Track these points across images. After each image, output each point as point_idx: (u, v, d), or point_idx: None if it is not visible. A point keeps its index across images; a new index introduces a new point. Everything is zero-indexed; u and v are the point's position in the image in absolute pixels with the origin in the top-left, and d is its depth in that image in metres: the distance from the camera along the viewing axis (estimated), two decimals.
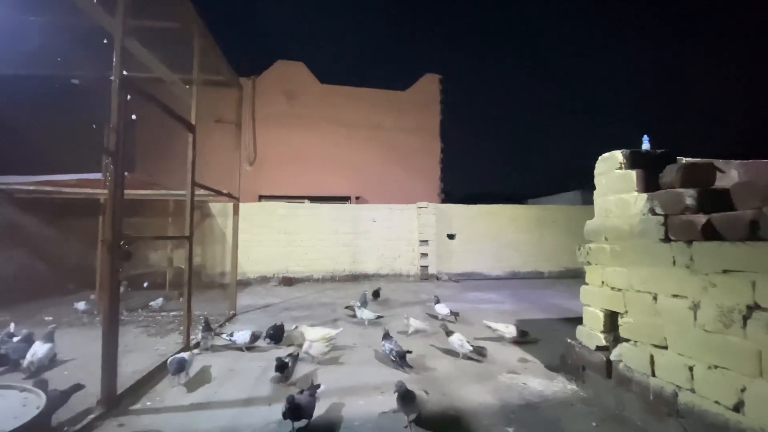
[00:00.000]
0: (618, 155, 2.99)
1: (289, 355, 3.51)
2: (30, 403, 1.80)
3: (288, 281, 9.68)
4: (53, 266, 7.58)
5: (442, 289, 8.74)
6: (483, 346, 4.02)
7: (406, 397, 2.55)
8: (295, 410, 2.41)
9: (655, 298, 2.62)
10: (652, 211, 2.67)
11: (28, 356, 3.43)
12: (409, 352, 3.77)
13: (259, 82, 12.34)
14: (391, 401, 2.94)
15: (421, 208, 10.50)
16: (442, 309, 5.55)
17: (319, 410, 2.78)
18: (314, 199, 11.84)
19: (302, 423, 2.48)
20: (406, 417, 2.57)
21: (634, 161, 2.92)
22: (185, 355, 3.32)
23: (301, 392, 2.63)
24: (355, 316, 5.50)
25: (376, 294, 7.08)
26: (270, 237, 10.00)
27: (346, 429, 2.57)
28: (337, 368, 3.69)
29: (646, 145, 3.15)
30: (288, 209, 10.28)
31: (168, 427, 2.44)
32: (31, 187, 6.02)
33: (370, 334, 4.80)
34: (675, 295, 2.47)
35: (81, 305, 5.81)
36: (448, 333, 4.07)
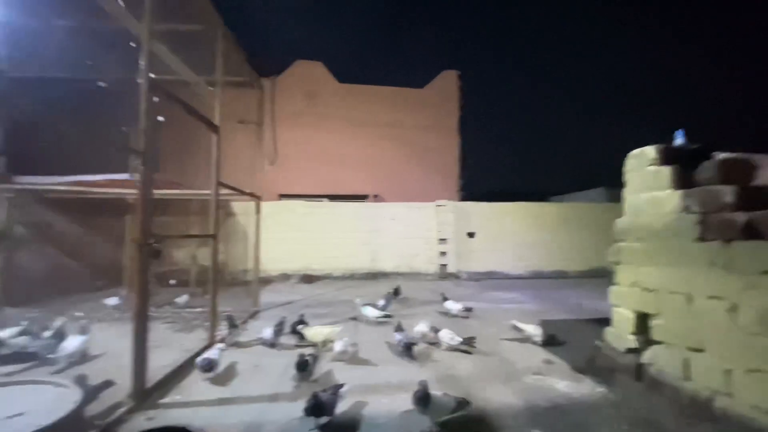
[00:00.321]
0: (650, 151, 2.88)
1: (311, 354, 3.53)
2: (65, 398, 1.85)
3: (308, 279, 9.78)
4: (83, 264, 7.86)
5: (461, 288, 8.66)
6: (473, 336, 4.13)
7: (422, 399, 2.52)
8: (317, 407, 2.43)
9: (690, 300, 2.51)
10: (687, 209, 2.56)
11: (59, 351, 3.56)
12: (415, 344, 3.94)
13: (278, 83, 12.47)
14: None
15: (439, 206, 10.42)
16: (452, 305, 5.61)
17: (343, 407, 2.79)
18: (333, 197, 11.90)
19: (324, 420, 2.50)
20: (428, 417, 2.56)
21: (667, 157, 2.81)
22: (214, 355, 3.36)
23: (324, 391, 2.64)
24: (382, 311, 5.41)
25: (396, 292, 7.06)
26: (290, 235, 10.12)
27: (371, 426, 2.58)
28: (360, 366, 3.69)
29: (679, 141, 3.02)
30: (308, 208, 10.38)
31: (196, 420, 2.49)
32: (62, 188, 6.25)
33: (392, 333, 4.78)
34: (712, 297, 2.36)
35: (112, 301, 6.01)
36: (436, 330, 4.22)
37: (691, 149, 2.82)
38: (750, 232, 2.16)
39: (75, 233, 7.71)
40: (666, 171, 2.76)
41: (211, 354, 3.38)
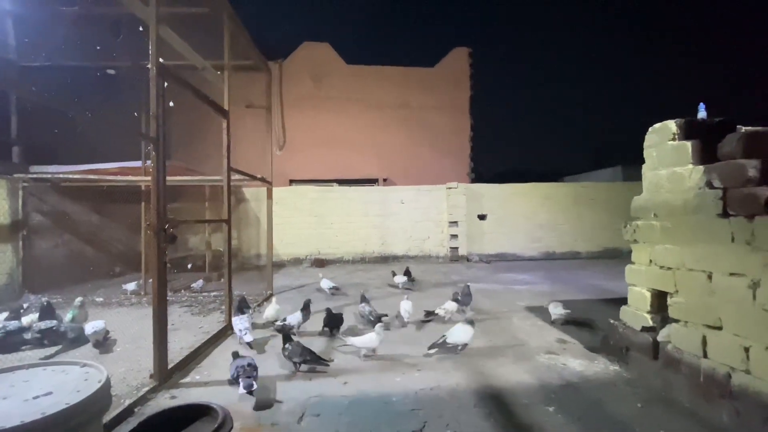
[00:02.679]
0: (671, 125, 2.78)
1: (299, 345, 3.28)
2: (91, 377, 1.91)
3: (320, 263, 9.88)
4: (100, 251, 8.04)
5: (473, 270, 8.66)
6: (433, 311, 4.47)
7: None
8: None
9: (709, 277, 2.47)
10: (709, 185, 2.48)
11: (89, 329, 3.69)
12: (385, 315, 4.30)
13: (285, 66, 12.34)
14: (427, 378, 2.98)
15: (450, 188, 10.33)
16: (399, 279, 6.45)
17: (357, 385, 2.87)
18: (342, 182, 11.89)
19: None
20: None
21: (689, 131, 2.71)
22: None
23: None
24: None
25: (407, 274, 7.09)
26: (302, 220, 10.20)
27: (384, 403, 2.62)
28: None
29: (702, 114, 2.91)
30: (318, 192, 10.41)
31: (216, 399, 2.56)
32: (77, 176, 6.35)
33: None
34: (732, 274, 2.32)
35: (129, 286, 6.17)
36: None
37: (714, 123, 2.72)
38: None
39: (91, 221, 7.86)
40: (687, 145, 2.66)
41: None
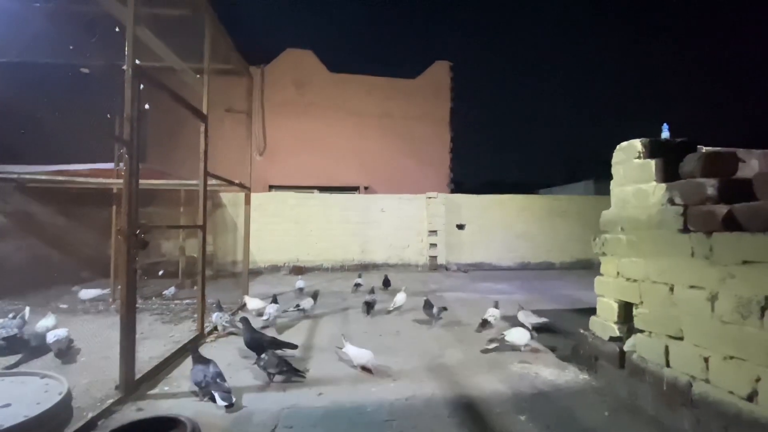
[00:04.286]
0: (637, 144, 2.92)
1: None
2: (51, 389, 1.84)
3: (298, 270, 9.76)
4: (67, 255, 7.71)
5: (451, 279, 8.75)
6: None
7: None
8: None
9: (671, 289, 2.58)
10: (671, 202, 2.61)
11: (51, 338, 3.52)
12: (374, 300, 5.25)
13: (268, 71, 12.28)
14: (402, 388, 2.98)
15: (430, 198, 10.46)
16: (358, 279, 7.05)
17: (332, 396, 2.84)
18: (323, 189, 11.85)
19: None
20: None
21: (653, 150, 2.86)
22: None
23: None
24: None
25: (386, 283, 7.11)
26: (281, 226, 10.07)
27: (358, 414, 2.61)
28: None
29: (665, 134, 3.08)
30: (299, 199, 10.33)
31: (186, 411, 2.49)
32: (44, 177, 6.10)
33: (383, 323, 4.83)
34: (692, 286, 2.43)
35: (97, 293, 5.93)
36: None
37: (677, 142, 2.87)
38: (730, 224, 2.22)
39: (58, 224, 7.54)
40: (651, 164, 2.81)
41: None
